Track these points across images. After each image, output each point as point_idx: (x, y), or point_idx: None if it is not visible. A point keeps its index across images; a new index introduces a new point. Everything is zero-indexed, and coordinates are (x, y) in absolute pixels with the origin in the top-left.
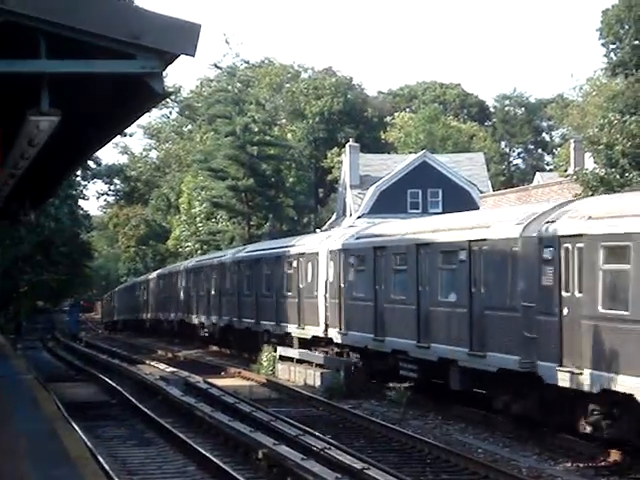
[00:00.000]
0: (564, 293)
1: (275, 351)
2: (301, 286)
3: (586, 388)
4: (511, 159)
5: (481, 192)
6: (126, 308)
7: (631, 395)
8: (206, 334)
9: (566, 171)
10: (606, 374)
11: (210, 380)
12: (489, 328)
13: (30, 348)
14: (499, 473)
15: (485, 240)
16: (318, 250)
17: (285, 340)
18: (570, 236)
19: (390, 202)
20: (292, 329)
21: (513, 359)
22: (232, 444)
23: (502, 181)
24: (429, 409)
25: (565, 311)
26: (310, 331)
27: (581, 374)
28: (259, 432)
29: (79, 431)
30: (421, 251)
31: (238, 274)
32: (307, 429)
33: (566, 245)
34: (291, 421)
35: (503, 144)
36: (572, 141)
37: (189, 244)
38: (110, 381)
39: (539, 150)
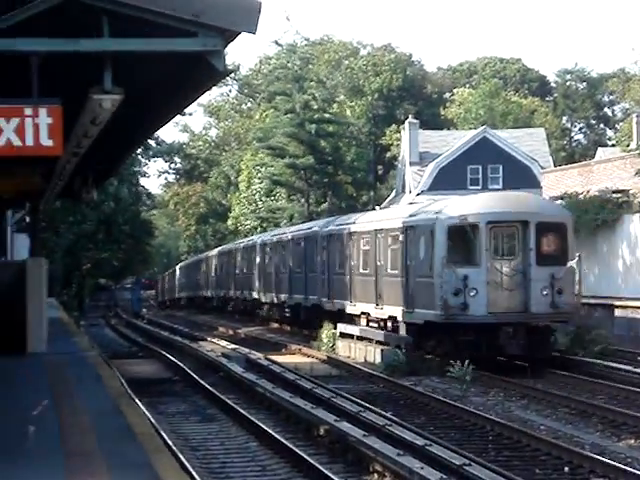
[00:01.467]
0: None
1: (335, 328)
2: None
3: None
4: (572, 134)
5: (542, 168)
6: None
7: None
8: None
9: (628, 146)
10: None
11: (271, 357)
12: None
13: (93, 325)
14: (561, 450)
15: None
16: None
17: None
18: (407, 227)
19: (450, 178)
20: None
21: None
22: (293, 421)
23: (563, 157)
24: (491, 386)
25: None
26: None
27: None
28: (320, 409)
29: (142, 407)
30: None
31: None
32: (368, 406)
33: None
34: (352, 398)
35: (564, 119)
36: (634, 116)
37: (248, 222)
38: (172, 358)
39: (601, 125)
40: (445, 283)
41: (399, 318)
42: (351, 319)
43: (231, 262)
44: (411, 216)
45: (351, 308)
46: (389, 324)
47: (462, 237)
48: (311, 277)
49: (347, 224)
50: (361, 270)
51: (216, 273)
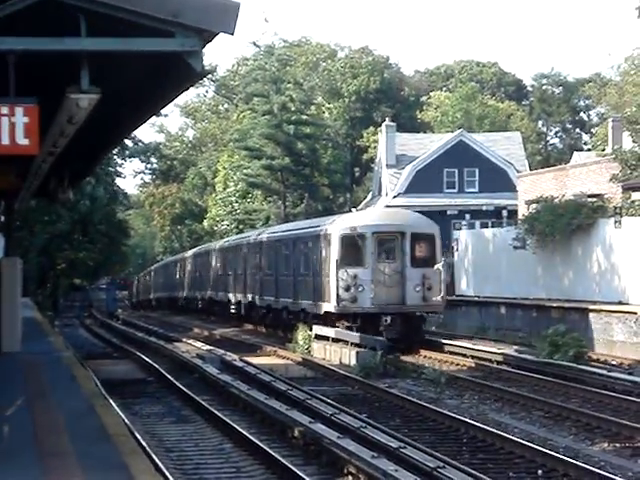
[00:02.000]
0: None
1: (310, 330)
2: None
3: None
4: (548, 138)
5: (518, 171)
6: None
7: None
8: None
9: (604, 150)
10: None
11: (246, 358)
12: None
13: (67, 325)
14: (535, 453)
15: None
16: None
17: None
18: (312, 236)
19: (426, 181)
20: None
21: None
22: (268, 422)
23: (539, 160)
24: (465, 388)
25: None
26: None
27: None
28: (295, 410)
29: (117, 408)
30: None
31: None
32: (343, 408)
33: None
34: (327, 400)
35: (540, 123)
36: (610, 120)
37: (225, 223)
38: (147, 359)
39: (577, 129)
40: (339, 281)
41: (307, 310)
42: (276, 312)
43: (185, 267)
44: (315, 227)
45: (275, 304)
46: (302, 316)
47: (353, 244)
48: (247, 277)
49: (275, 232)
50: (284, 272)
51: (180, 276)
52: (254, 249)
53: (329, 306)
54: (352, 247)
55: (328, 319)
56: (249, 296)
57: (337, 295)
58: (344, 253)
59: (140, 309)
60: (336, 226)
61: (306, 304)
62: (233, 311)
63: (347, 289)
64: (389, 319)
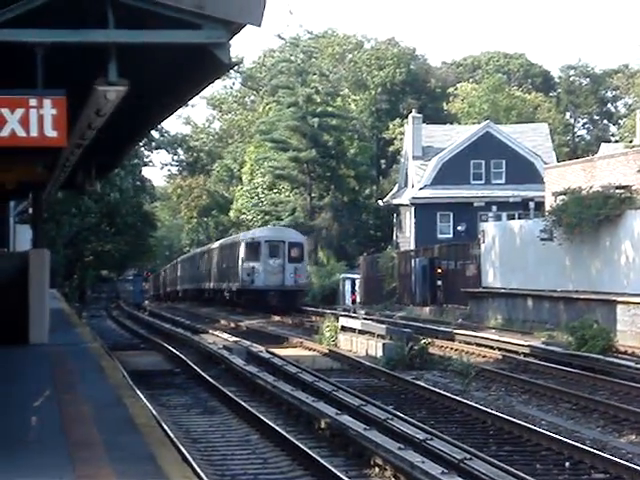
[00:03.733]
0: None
1: (337, 322)
2: None
3: None
4: (576, 130)
5: (545, 163)
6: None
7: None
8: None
9: (631, 141)
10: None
11: (272, 350)
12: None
13: (95, 317)
14: (562, 445)
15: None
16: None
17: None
18: (231, 244)
19: (453, 173)
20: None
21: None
22: (295, 414)
23: (566, 152)
24: (492, 381)
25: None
26: None
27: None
28: (321, 402)
29: (144, 399)
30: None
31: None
32: (369, 399)
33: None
34: (353, 391)
35: (568, 115)
36: (638, 111)
37: (251, 215)
38: (174, 350)
39: (604, 121)
40: (243, 270)
41: (231, 288)
42: (214, 292)
43: (187, 264)
44: (234, 238)
45: (218, 286)
46: (226, 293)
47: (253, 248)
48: (210, 270)
49: (223, 241)
50: (222, 265)
51: (187, 270)
52: (216, 252)
53: (238, 285)
54: (252, 250)
55: (238, 293)
56: (212, 284)
57: (242, 279)
58: (247, 253)
59: (168, 301)
60: (243, 237)
61: (229, 285)
62: (207, 295)
63: (248, 275)
64: (274, 293)
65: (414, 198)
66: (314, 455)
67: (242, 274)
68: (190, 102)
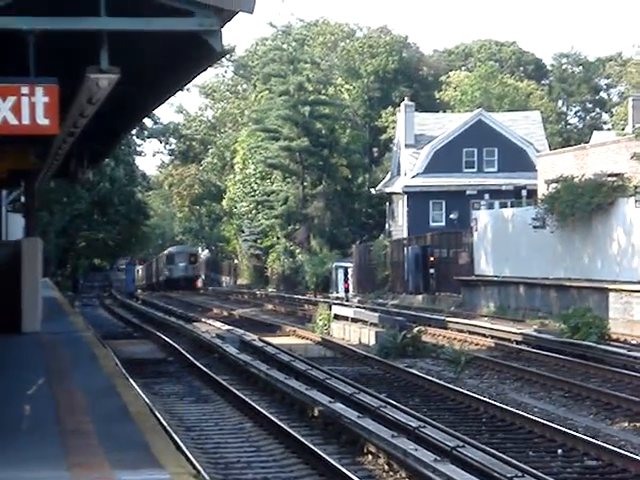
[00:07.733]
0: None
1: (330, 310)
2: None
3: None
4: (568, 118)
5: (538, 151)
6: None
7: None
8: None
9: (624, 129)
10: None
11: (265, 338)
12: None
13: (87, 305)
14: (555, 432)
15: None
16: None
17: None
18: (166, 256)
19: (445, 161)
20: None
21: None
22: (288, 402)
23: (559, 141)
24: (484, 368)
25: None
26: None
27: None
28: (314, 390)
29: (137, 388)
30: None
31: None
32: (362, 387)
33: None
34: (346, 379)
35: (560, 103)
36: (631, 99)
37: (244, 204)
38: (167, 339)
39: (597, 109)
40: (164, 270)
41: (161, 279)
42: (158, 282)
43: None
44: (163, 252)
45: (156, 279)
46: (160, 281)
47: (170, 257)
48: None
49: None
50: (159, 267)
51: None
52: (159, 259)
53: (163, 277)
54: (170, 259)
55: (165, 281)
56: (158, 277)
57: (165, 274)
58: (167, 261)
59: (160, 290)
60: (166, 252)
61: (160, 277)
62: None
63: (169, 272)
64: (182, 281)
65: (407, 186)
66: (307, 443)
67: (165, 273)
68: (184, 87)
